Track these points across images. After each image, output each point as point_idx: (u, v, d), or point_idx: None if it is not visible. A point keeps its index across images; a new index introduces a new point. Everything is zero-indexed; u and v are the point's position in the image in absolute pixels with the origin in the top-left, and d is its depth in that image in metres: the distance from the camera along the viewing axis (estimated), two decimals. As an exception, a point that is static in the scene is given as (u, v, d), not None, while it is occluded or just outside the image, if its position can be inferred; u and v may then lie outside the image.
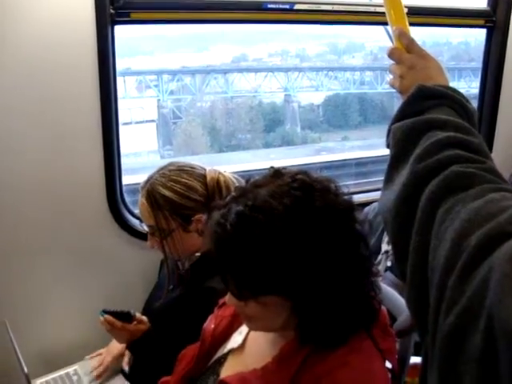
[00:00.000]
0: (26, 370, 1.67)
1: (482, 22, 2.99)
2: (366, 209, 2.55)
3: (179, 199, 1.88)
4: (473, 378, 0.70)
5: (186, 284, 1.96)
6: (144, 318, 1.89)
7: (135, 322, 1.84)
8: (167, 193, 1.88)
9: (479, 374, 0.69)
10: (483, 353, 0.69)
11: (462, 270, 0.76)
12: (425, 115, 1.08)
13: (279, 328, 1.26)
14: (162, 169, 1.96)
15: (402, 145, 1.06)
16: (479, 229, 0.77)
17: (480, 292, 0.71)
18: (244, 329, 1.44)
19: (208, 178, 1.93)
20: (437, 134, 1.00)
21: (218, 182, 1.93)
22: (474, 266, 0.74)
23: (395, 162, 1.06)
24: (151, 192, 1.90)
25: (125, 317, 1.83)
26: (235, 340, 1.44)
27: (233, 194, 1.23)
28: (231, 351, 1.43)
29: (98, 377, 2.02)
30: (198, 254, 1.96)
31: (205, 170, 1.98)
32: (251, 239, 1.13)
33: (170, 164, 1.97)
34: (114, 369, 2.12)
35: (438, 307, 0.79)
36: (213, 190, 1.91)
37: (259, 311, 1.21)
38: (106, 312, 1.81)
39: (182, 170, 1.94)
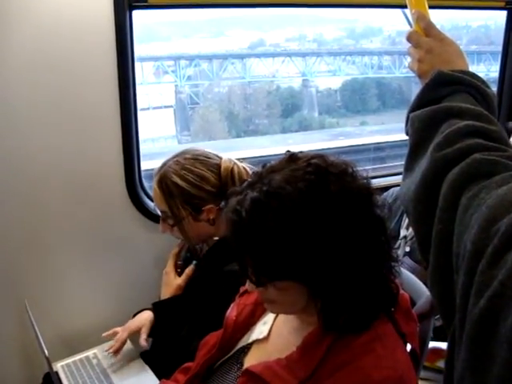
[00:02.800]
0: (46, 352, 1.69)
1: (502, 3, 2.94)
2: (384, 194, 2.54)
3: (191, 189, 1.90)
4: (504, 359, 0.70)
5: (203, 268, 1.98)
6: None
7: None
8: (179, 181, 1.90)
9: (511, 356, 0.69)
10: None
11: (492, 255, 0.76)
12: (443, 103, 1.08)
13: (300, 311, 1.26)
14: (176, 156, 1.97)
15: (420, 134, 1.06)
16: (507, 214, 0.77)
17: None
18: (269, 319, 1.45)
19: (222, 168, 1.93)
20: (456, 122, 1.00)
21: (231, 172, 1.93)
22: (505, 251, 0.75)
23: (414, 150, 1.06)
24: (164, 179, 1.92)
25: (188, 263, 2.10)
26: (260, 330, 1.44)
27: (249, 179, 1.23)
28: (255, 341, 1.44)
29: (115, 352, 2.02)
30: (216, 238, 1.97)
31: (220, 159, 1.98)
32: (266, 225, 1.12)
33: (186, 152, 1.98)
34: (132, 352, 2.14)
35: (467, 291, 0.79)
36: (226, 181, 1.91)
37: (278, 296, 1.21)
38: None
39: (197, 159, 1.94)
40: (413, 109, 1.12)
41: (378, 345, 1.18)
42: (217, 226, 1.92)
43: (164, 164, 1.96)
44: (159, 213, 2.02)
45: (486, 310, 0.75)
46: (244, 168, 1.98)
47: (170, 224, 1.97)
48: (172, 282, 2.04)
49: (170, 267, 2.10)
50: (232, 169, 1.94)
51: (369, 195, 1.21)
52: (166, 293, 2.05)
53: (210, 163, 1.94)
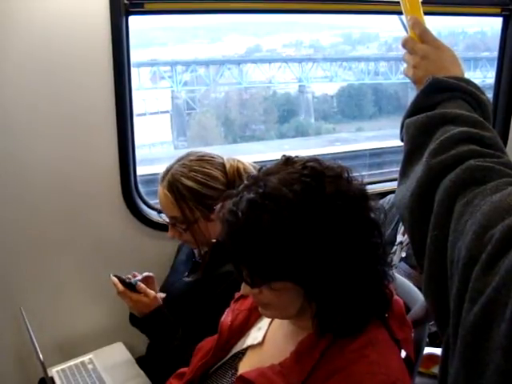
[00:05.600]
0: (41, 358, 1.69)
1: (498, 10, 2.95)
2: (381, 201, 2.55)
3: (202, 189, 1.90)
4: (498, 365, 0.71)
5: (202, 270, 1.98)
6: (151, 292, 1.94)
7: (142, 294, 1.92)
8: (190, 183, 1.89)
9: (505, 362, 0.70)
10: (509, 341, 0.69)
11: (486, 262, 0.76)
12: (438, 109, 1.08)
13: (295, 315, 1.26)
14: (181, 159, 1.97)
15: (415, 140, 1.06)
16: (501, 221, 0.78)
17: (506, 283, 0.72)
18: (263, 325, 1.45)
19: (227, 167, 1.95)
20: (450, 128, 1.00)
21: (237, 169, 1.94)
22: (499, 258, 0.75)
23: (410, 157, 1.07)
24: (173, 183, 1.91)
25: (129, 286, 1.93)
26: (254, 336, 1.44)
27: (245, 182, 1.24)
28: (250, 347, 1.44)
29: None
30: (213, 240, 1.96)
31: (223, 158, 1.99)
32: (262, 226, 1.13)
33: (189, 154, 1.98)
34: (128, 358, 2.14)
35: (461, 298, 0.80)
36: (233, 178, 1.92)
37: (273, 298, 1.22)
38: (115, 275, 1.95)
39: (202, 159, 1.95)
40: (408, 115, 1.13)
41: (372, 351, 1.18)
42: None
43: (169, 169, 1.95)
44: (167, 219, 2.01)
45: (480, 316, 0.75)
46: (248, 165, 1.99)
47: (182, 229, 1.95)
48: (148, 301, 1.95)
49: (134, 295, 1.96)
50: (237, 166, 1.96)
51: (364, 199, 1.21)
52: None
53: (215, 162, 1.96)
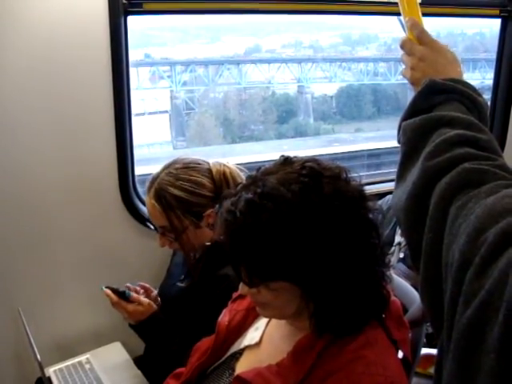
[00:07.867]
0: (39, 357, 1.69)
1: (496, 11, 2.96)
2: (380, 201, 2.55)
3: (190, 197, 1.89)
4: (491, 368, 0.71)
5: (196, 275, 1.97)
6: (144, 300, 1.93)
7: (136, 303, 1.92)
8: (177, 192, 1.88)
9: (498, 365, 0.70)
10: (502, 344, 0.69)
11: (480, 265, 0.76)
12: (434, 111, 1.08)
13: (292, 316, 1.27)
14: (167, 167, 1.95)
15: (412, 143, 1.07)
16: (495, 224, 0.78)
17: (499, 286, 0.72)
18: (260, 325, 1.45)
19: (214, 172, 1.93)
20: (446, 131, 1.01)
21: (224, 174, 1.93)
22: (492, 261, 0.75)
23: (406, 159, 1.07)
24: (161, 192, 1.90)
25: (123, 296, 1.92)
26: (252, 337, 1.44)
27: (244, 182, 1.25)
28: (247, 347, 1.44)
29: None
30: (207, 244, 1.96)
31: (209, 163, 1.98)
32: (260, 226, 1.14)
33: (175, 162, 1.97)
34: (125, 358, 2.14)
35: (454, 301, 0.80)
36: (220, 183, 1.91)
37: (271, 298, 1.22)
38: (107, 287, 1.92)
39: (189, 167, 1.94)
40: (405, 117, 1.13)
41: (369, 351, 1.18)
42: (215, 226, 1.91)
43: (155, 178, 1.94)
44: (155, 228, 2.00)
45: (473, 319, 0.75)
46: (235, 169, 1.98)
47: (172, 238, 1.94)
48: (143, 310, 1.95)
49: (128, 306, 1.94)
50: (224, 171, 1.95)
51: (362, 199, 1.22)
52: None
53: (201, 169, 1.94)
